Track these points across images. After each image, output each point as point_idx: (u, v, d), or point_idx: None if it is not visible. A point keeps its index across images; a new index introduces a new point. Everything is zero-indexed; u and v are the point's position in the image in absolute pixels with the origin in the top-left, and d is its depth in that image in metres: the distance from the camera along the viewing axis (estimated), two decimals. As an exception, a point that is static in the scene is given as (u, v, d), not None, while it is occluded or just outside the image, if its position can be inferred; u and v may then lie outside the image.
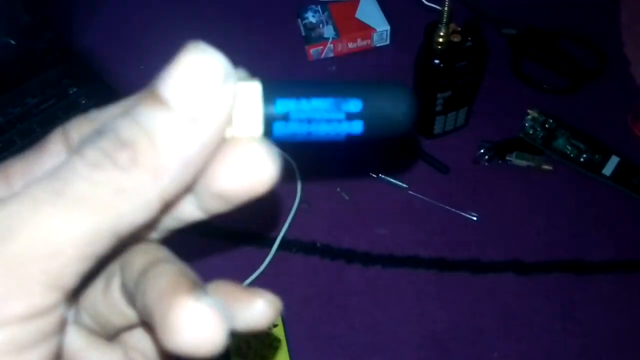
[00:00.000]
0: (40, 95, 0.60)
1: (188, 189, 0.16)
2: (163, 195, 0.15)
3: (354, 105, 0.17)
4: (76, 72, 0.62)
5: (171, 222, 0.18)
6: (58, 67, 0.62)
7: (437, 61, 0.51)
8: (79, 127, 0.19)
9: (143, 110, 0.15)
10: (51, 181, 0.14)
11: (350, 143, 0.18)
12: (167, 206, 0.16)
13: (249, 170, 0.16)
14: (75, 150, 0.15)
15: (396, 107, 0.17)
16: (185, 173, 0.15)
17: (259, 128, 0.17)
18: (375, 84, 0.17)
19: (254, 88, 0.17)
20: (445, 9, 0.47)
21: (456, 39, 0.51)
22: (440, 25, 0.49)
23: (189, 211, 0.18)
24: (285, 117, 0.17)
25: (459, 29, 0.52)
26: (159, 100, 0.15)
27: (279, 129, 0.17)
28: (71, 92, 0.60)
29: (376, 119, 0.17)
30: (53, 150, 0.18)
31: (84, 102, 0.59)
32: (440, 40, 0.50)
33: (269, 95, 0.17)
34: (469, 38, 0.51)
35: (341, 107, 0.17)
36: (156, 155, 0.15)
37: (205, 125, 0.15)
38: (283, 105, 0.17)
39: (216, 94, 0.15)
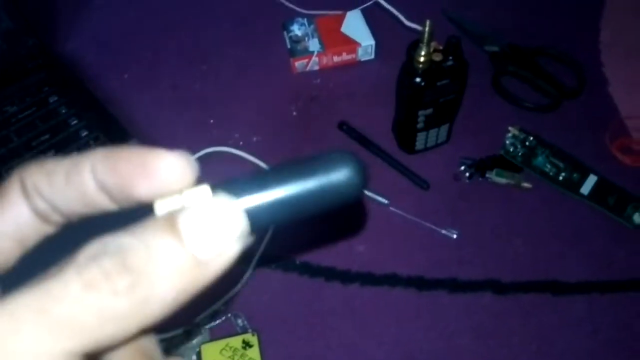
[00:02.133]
0: (19, 104, 0.57)
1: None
2: (147, 323, 0.15)
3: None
4: (57, 80, 0.60)
5: (83, 209, 0.18)
6: (39, 75, 0.60)
7: (418, 79, 0.50)
8: (34, 176, 0.17)
9: (158, 239, 0.15)
10: (38, 296, 0.13)
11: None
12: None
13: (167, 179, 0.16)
14: (74, 260, 0.14)
15: (342, 183, 0.17)
16: (175, 305, 0.15)
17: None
18: (318, 161, 0.17)
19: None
20: (427, 29, 0.46)
21: (437, 57, 0.50)
22: (421, 45, 0.48)
23: (105, 203, 0.17)
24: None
25: (441, 47, 0.51)
26: (176, 233, 0.15)
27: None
28: (51, 100, 0.58)
29: (325, 195, 0.17)
30: (12, 199, 0.17)
31: (64, 111, 0.57)
32: (422, 59, 0.48)
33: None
34: (450, 57, 0.50)
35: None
36: (155, 287, 0.14)
37: (209, 271, 0.15)
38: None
39: (229, 247, 0.16)
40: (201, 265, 0.15)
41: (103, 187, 0.17)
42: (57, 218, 0.18)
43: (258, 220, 0.17)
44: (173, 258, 0.15)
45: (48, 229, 0.18)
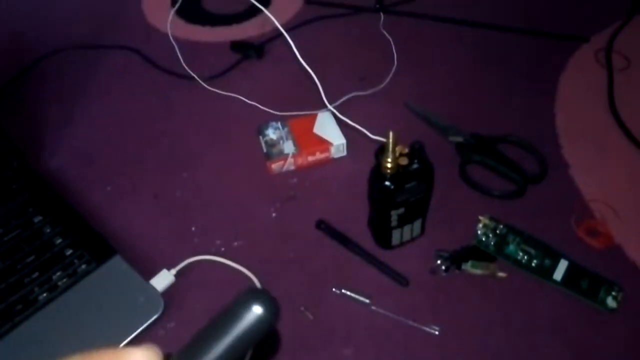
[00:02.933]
0: (4, 226, 0.58)
1: None
2: None
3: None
4: (42, 199, 0.62)
5: None
6: (23, 195, 0.62)
7: (387, 183, 0.52)
8: None
9: None
10: None
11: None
12: None
13: None
14: None
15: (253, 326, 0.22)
16: None
17: None
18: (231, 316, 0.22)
19: None
20: (390, 140, 0.48)
21: (404, 161, 0.52)
22: (387, 152, 0.50)
23: None
24: None
25: (406, 150, 0.53)
26: None
27: None
28: (36, 220, 0.59)
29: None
30: None
31: (48, 230, 0.58)
32: (389, 165, 0.51)
33: None
34: (415, 160, 0.52)
35: None
36: None
37: None
38: None
39: None
40: None
41: None
42: None
43: None
44: None
45: None
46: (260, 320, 0.22)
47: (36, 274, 0.54)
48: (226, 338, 0.22)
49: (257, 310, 0.22)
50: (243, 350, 0.22)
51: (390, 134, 0.49)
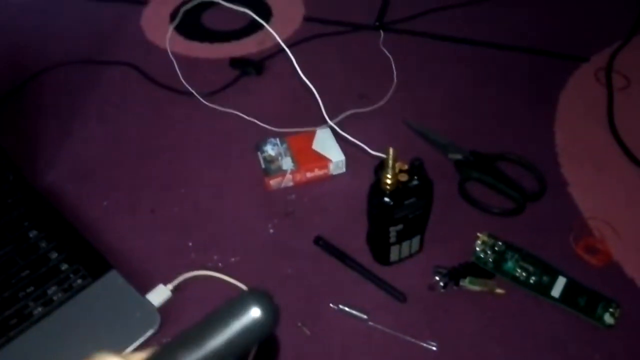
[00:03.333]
0: None
1: None
2: None
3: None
4: (37, 213, 0.63)
5: None
6: (19, 210, 0.63)
7: (387, 199, 0.54)
8: None
9: None
10: None
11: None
12: None
13: None
14: None
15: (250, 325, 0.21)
16: None
17: None
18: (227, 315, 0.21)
19: None
20: (390, 156, 0.50)
21: (403, 178, 0.54)
22: (387, 168, 0.52)
23: None
24: None
25: (406, 166, 0.55)
26: None
27: None
28: (31, 235, 0.60)
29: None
30: None
31: (43, 245, 0.59)
32: (388, 181, 0.52)
33: None
34: (415, 177, 0.54)
35: None
36: None
37: None
38: None
39: None
40: None
41: None
42: None
43: None
44: None
45: None
46: (257, 324, 0.21)
47: (31, 288, 0.55)
48: (217, 339, 0.21)
49: (255, 313, 0.21)
50: (236, 355, 0.21)
51: (390, 150, 0.50)
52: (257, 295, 0.22)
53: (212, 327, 0.21)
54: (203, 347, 0.21)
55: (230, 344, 0.21)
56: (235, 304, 0.21)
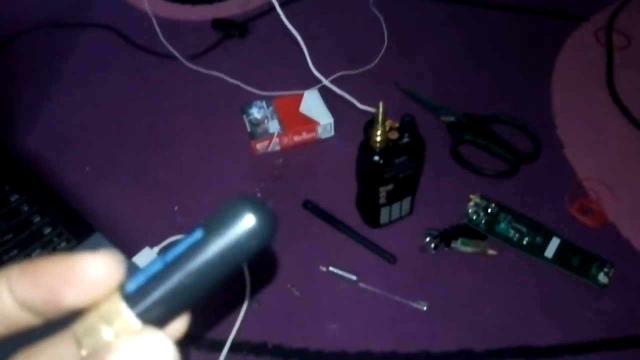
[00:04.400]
0: (-21, 205, 0.62)
1: None
2: None
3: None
4: (18, 178, 0.65)
5: (5, 330, 0.19)
6: (-1, 174, 0.65)
7: (376, 158, 0.56)
8: None
9: None
10: None
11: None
12: None
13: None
14: None
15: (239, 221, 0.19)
16: None
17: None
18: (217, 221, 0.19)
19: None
20: (380, 111, 0.53)
21: (394, 136, 0.57)
22: (377, 125, 0.55)
23: (29, 320, 0.19)
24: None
25: (396, 125, 0.58)
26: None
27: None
28: (12, 199, 0.63)
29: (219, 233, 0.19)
30: None
31: (26, 209, 0.62)
32: (378, 138, 0.55)
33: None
34: (406, 134, 0.57)
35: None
36: None
37: None
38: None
39: None
40: None
41: (24, 304, 0.18)
42: None
43: (183, 297, 0.19)
44: None
45: None
46: (252, 234, 0.19)
47: (14, 252, 0.58)
48: (204, 253, 0.19)
49: (249, 221, 0.19)
50: (225, 270, 0.19)
51: (380, 104, 0.53)
52: (251, 200, 0.19)
53: (199, 245, 0.19)
54: (187, 271, 0.19)
55: (222, 262, 0.19)
56: (223, 213, 0.19)
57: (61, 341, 0.19)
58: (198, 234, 0.19)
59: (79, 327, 0.19)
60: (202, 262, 0.19)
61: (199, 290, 0.19)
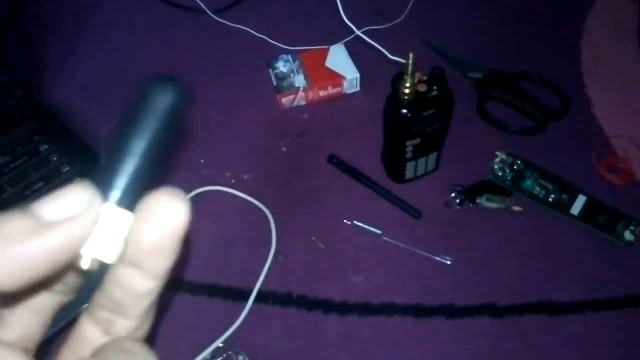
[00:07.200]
0: (10, 154, 0.61)
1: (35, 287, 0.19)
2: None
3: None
4: (47, 128, 0.64)
5: (138, 301, 0.20)
6: (29, 124, 0.64)
7: (404, 111, 0.54)
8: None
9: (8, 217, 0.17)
10: None
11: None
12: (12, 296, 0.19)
13: (162, 218, 0.19)
14: None
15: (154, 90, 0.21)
16: (24, 271, 0.17)
17: (113, 256, 0.20)
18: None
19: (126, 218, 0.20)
20: (410, 62, 0.50)
21: (422, 88, 0.54)
22: (405, 77, 0.52)
23: (142, 284, 0.19)
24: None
25: (425, 78, 0.55)
26: (27, 211, 0.18)
27: None
28: (42, 149, 0.62)
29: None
30: None
31: (55, 158, 0.61)
32: (407, 91, 0.53)
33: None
34: (435, 87, 0.54)
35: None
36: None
37: (55, 232, 0.17)
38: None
39: (74, 212, 0.18)
40: (45, 227, 0.17)
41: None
42: None
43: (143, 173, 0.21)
44: (18, 225, 0.17)
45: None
46: (159, 94, 0.21)
47: (45, 200, 0.57)
48: (141, 131, 0.21)
49: (153, 85, 0.21)
50: (161, 132, 0.21)
51: (411, 55, 0.50)
52: (161, 77, 0.21)
53: (127, 127, 0.21)
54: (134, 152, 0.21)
55: (152, 129, 0.21)
56: (142, 94, 0.22)
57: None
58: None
59: None
60: (139, 138, 0.21)
61: (152, 159, 0.21)
